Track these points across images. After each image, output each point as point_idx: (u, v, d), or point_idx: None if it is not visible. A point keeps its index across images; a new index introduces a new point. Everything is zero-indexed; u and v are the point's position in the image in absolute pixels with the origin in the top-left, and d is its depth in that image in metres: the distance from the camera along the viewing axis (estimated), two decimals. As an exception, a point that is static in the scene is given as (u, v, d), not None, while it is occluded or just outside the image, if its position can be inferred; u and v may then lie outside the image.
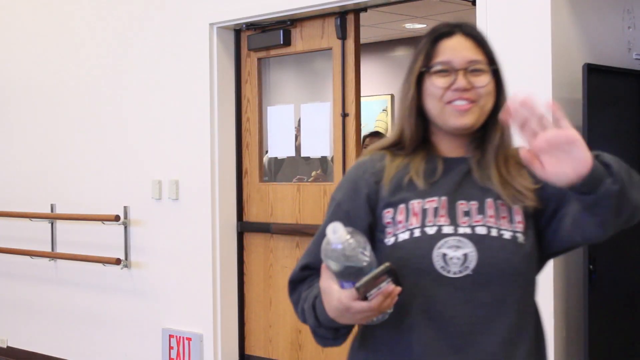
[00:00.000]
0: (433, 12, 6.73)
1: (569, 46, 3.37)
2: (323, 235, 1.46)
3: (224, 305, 4.50)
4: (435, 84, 1.57)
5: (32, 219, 5.28)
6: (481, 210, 1.56)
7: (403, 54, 8.26)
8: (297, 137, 4.42)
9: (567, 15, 3.37)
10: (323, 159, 4.60)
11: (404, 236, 1.54)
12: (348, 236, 1.39)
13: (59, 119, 5.24)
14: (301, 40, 4.31)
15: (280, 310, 4.43)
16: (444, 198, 1.57)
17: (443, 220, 1.54)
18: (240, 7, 4.33)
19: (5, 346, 5.65)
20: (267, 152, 4.58)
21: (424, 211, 1.55)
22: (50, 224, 5.26)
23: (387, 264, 1.40)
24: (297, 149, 4.44)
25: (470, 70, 1.57)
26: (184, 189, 4.56)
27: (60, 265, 5.25)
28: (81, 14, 5.12)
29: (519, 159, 1.57)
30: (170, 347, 4.63)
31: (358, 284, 1.38)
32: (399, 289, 1.40)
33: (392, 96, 8.23)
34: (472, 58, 1.57)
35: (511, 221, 1.55)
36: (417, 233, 1.54)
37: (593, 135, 3.21)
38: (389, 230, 1.57)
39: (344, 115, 4.13)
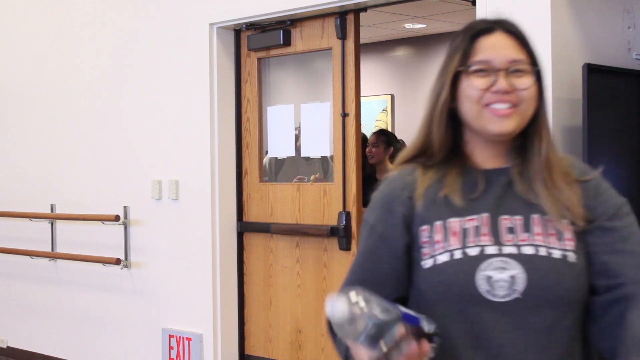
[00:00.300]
0: (433, 12, 6.74)
1: (569, 46, 3.37)
2: (361, 261, 1.45)
3: (224, 305, 4.50)
4: (473, 85, 1.43)
5: (32, 219, 5.28)
6: (527, 227, 1.42)
7: (403, 54, 8.26)
8: (297, 137, 4.42)
9: (567, 15, 3.37)
10: (324, 159, 4.60)
11: (443, 258, 1.41)
12: (347, 308, 1.24)
13: (59, 119, 5.24)
14: (301, 40, 4.31)
15: (280, 310, 4.43)
16: (485, 215, 1.43)
17: (486, 240, 1.41)
18: (240, 7, 4.33)
19: (5, 346, 5.65)
20: (267, 152, 4.59)
21: (464, 230, 1.42)
22: (50, 224, 5.25)
23: (400, 323, 1.26)
24: (298, 149, 4.44)
25: (511, 70, 1.43)
26: (184, 189, 4.56)
27: (60, 265, 5.25)
28: (81, 15, 5.12)
29: (566, 168, 1.48)
30: (170, 347, 4.63)
31: (377, 356, 1.24)
32: (426, 347, 1.28)
33: (392, 96, 8.23)
34: (514, 57, 1.44)
35: (560, 238, 1.42)
36: (457, 254, 1.40)
37: (593, 135, 3.20)
38: (425, 250, 1.43)
39: (344, 115, 4.13)
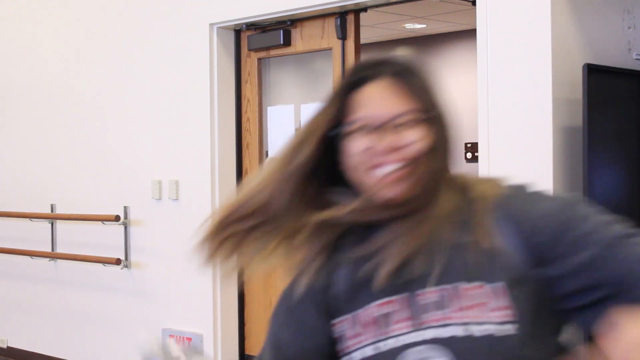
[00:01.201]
0: (433, 12, 6.74)
1: (569, 46, 3.37)
2: None
3: (224, 305, 4.50)
4: (351, 150, 1.22)
5: (32, 219, 5.28)
6: (443, 302, 1.17)
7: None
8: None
9: (567, 16, 3.37)
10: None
11: (357, 356, 1.20)
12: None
13: (59, 119, 5.24)
14: (301, 40, 4.31)
15: (280, 310, 4.42)
16: (404, 295, 1.19)
17: (403, 327, 1.17)
18: (240, 7, 4.33)
19: (5, 346, 5.65)
20: (267, 152, 4.59)
21: (377, 319, 1.19)
22: (50, 224, 5.25)
23: None
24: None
25: (397, 125, 1.19)
26: (184, 189, 4.56)
27: (60, 265, 5.25)
28: (81, 15, 5.12)
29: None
30: (170, 347, 4.62)
31: None
32: None
33: (392, 96, 8.21)
34: (398, 111, 1.20)
35: (489, 308, 1.14)
36: (369, 351, 1.19)
37: (593, 135, 3.20)
38: (340, 347, 1.23)
39: (344, 115, 4.12)
